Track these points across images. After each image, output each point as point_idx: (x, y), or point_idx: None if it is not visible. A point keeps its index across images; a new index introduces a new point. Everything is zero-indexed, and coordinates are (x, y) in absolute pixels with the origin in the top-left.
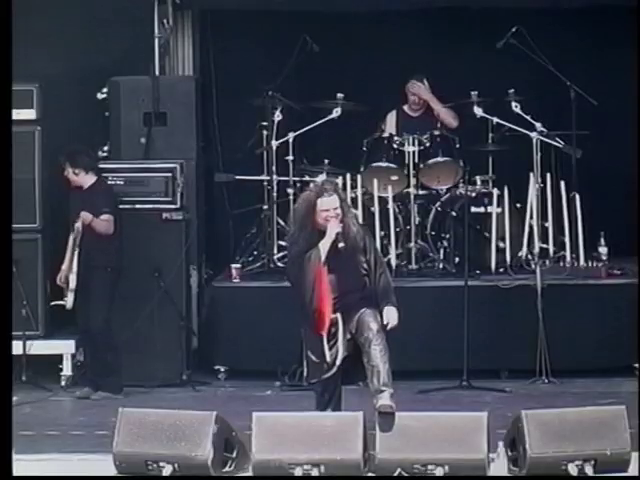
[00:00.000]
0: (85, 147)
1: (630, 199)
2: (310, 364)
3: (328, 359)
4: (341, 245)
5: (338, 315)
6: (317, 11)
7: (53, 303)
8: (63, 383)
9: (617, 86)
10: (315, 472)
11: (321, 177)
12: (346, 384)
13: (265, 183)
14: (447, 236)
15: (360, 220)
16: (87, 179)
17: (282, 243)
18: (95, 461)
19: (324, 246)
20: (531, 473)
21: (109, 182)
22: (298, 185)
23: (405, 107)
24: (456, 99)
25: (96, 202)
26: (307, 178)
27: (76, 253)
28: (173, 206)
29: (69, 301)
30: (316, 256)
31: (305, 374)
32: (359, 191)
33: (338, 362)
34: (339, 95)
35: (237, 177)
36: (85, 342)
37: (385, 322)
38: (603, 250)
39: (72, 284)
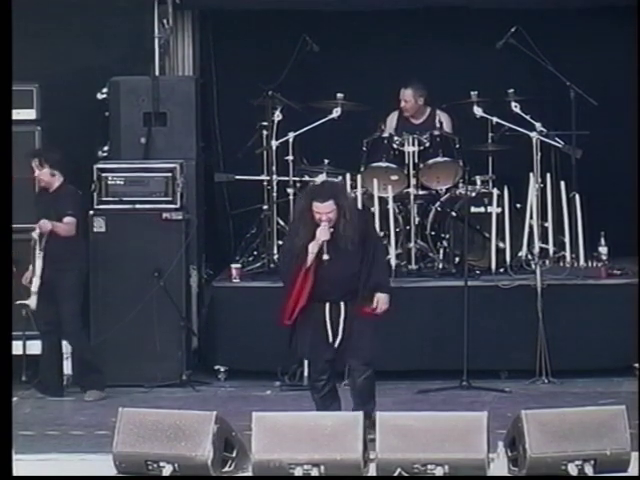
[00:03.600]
0: (55, 146)
1: (630, 199)
2: (307, 344)
3: (331, 340)
4: (325, 257)
5: (341, 302)
6: (317, 11)
7: (18, 302)
8: (63, 383)
9: (617, 86)
10: (315, 472)
11: (321, 177)
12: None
13: (265, 183)
14: (447, 236)
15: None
16: (58, 181)
17: (282, 243)
18: (95, 461)
19: (312, 249)
20: (531, 473)
21: (109, 182)
22: (298, 185)
23: (405, 114)
24: (456, 99)
25: (61, 204)
26: (307, 178)
27: (40, 256)
28: (173, 206)
29: (33, 302)
30: (304, 256)
31: (301, 353)
32: (359, 191)
33: (336, 345)
34: (339, 95)
35: (237, 177)
36: (48, 343)
37: (374, 306)
38: (603, 250)
39: (34, 287)
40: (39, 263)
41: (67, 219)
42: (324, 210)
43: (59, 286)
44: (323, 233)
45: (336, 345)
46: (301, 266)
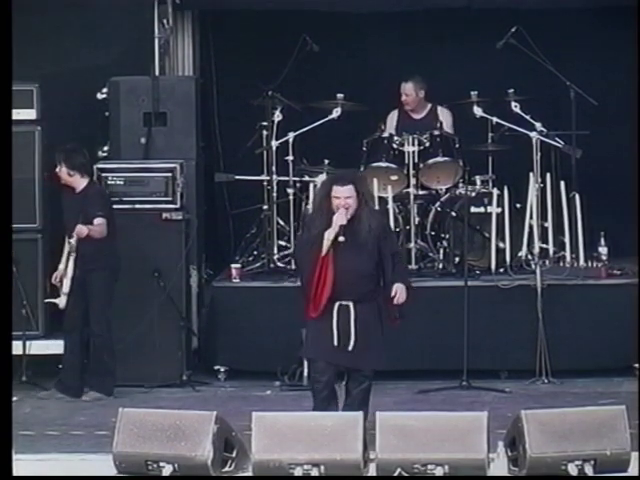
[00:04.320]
0: (82, 148)
1: (630, 199)
2: (311, 343)
3: (335, 342)
4: (341, 239)
5: (350, 303)
6: (317, 11)
7: (47, 300)
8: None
9: (617, 86)
10: (315, 472)
11: (321, 177)
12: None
13: (265, 183)
14: (447, 236)
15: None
16: (81, 182)
17: (282, 243)
18: (95, 461)
19: (329, 235)
20: (531, 473)
21: (109, 182)
22: (298, 185)
23: (407, 108)
24: (456, 99)
25: (90, 206)
26: (307, 178)
27: (72, 259)
28: (173, 206)
29: (62, 302)
30: (319, 244)
31: (304, 351)
32: None
33: (350, 348)
34: (339, 95)
35: (237, 177)
36: (70, 342)
37: (392, 294)
38: (603, 250)
39: (65, 288)
40: (71, 265)
41: (98, 220)
42: (343, 194)
43: (90, 286)
44: (340, 218)
45: (345, 347)
46: (318, 256)
